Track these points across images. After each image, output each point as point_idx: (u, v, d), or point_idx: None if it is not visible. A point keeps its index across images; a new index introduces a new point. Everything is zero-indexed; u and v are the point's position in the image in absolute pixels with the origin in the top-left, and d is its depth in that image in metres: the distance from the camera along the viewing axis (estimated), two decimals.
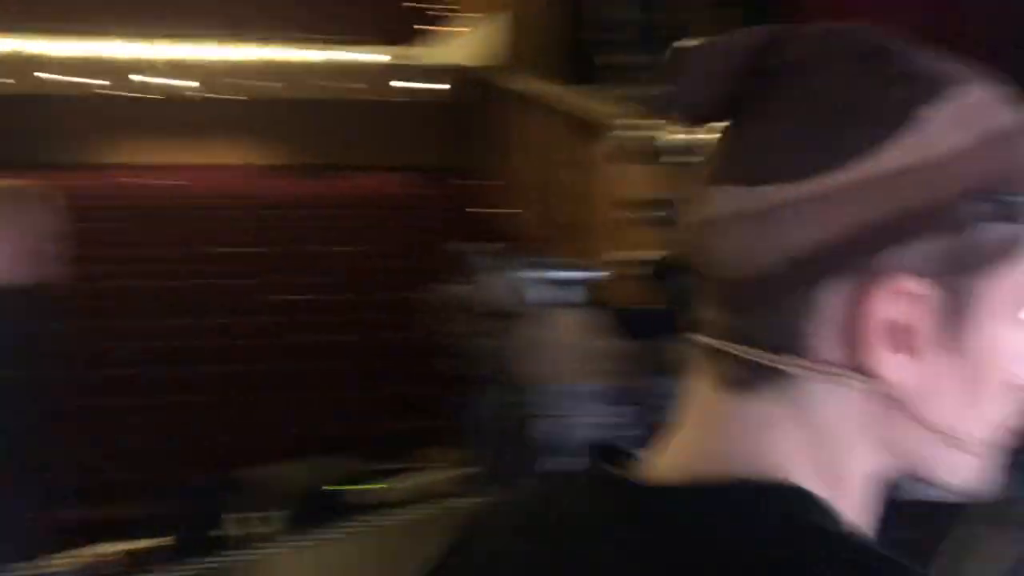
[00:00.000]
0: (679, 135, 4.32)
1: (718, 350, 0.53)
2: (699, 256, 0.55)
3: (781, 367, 0.51)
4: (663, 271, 3.28)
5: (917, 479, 0.55)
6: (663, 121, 4.49)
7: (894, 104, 0.51)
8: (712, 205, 0.53)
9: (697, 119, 0.56)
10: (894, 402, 0.52)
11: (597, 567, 0.52)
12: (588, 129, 5.95)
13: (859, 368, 0.51)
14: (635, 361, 3.22)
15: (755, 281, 0.51)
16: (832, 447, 0.52)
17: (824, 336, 0.51)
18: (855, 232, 0.49)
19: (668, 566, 0.49)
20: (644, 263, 3.56)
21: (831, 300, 0.50)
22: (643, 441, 0.59)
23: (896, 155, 0.50)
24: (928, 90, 0.51)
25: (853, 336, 0.50)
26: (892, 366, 0.51)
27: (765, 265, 0.51)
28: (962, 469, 0.55)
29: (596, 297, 3.54)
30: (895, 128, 0.50)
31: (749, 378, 0.52)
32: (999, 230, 0.51)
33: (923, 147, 0.50)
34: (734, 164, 0.53)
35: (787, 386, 0.52)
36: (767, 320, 0.52)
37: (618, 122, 5.00)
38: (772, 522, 0.49)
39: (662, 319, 3.10)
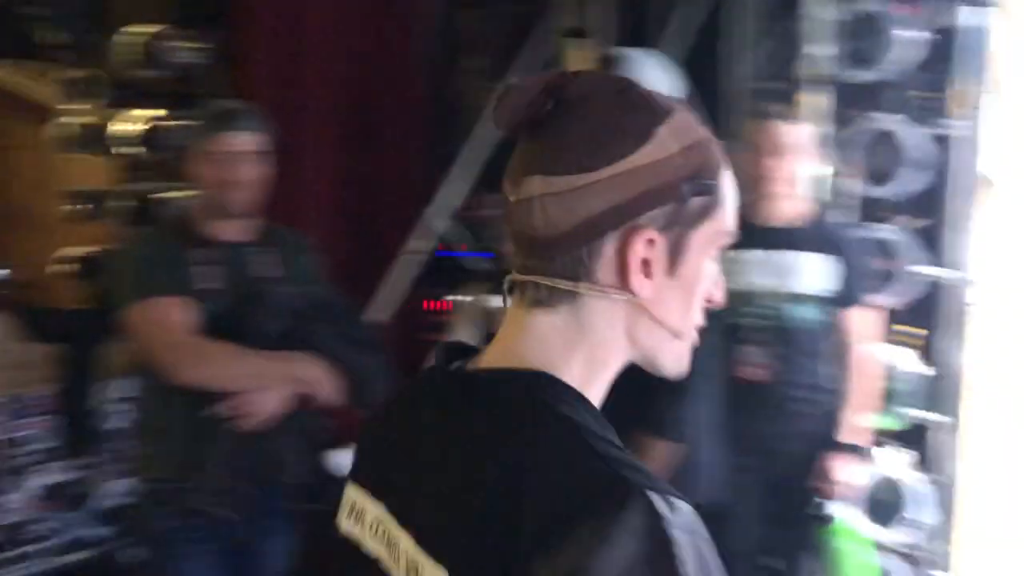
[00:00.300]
0: (129, 125, 4.08)
1: (530, 282, 0.86)
2: (515, 225, 0.86)
3: (574, 289, 0.85)
4: (92, 268, 3.08)
5: (650, 365, 0.90)
6: (109, 108, 4.20)
7: (639, 125, 0.84)
8: (527, 189, 0.85)
9: (511, 131, 0.87)
10: (643, 311, 0.86)
11: (436, 426, 0.88)
12: (32, 112, 5.33)
13: (622, 288, 0.85)
14: (60, 365, 2.97)
15: (558, 237, 0.83)
16: (600, 345, 0.87)
17: (601, 268, 0.84)
18: (622, 204, 0.83)
19: (469, 425, 0.84)
20: (77, 260, 3.30)
21: (607, 246, 0.84)
22: None
23: (642, 157, 0.83)
24: (657, 115, 0.85)
25: (619, 268, 0.84)
26: (642, 286, 0.85)
27: (566, 227, 0.83)
28: (678, 355, 0.91)
29: (11, 298, 3.18)
30: (640, 140, 0.83)
31: (549, 299, 0.86)
32: (700, 201, 0.86)
33: (656, 152, 0.83)
34: (540, 162, 0.85)
35: (575, 303, 0.85)
36: (565, 260, 0.84)
37: (64, 107, 4.56)
38: (527, 404, 0.82)
39: (88, 320, 2.90)
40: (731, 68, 4.16)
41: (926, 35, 3.12)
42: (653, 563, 0.72)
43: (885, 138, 3.17)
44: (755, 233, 2.44)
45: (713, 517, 2.33)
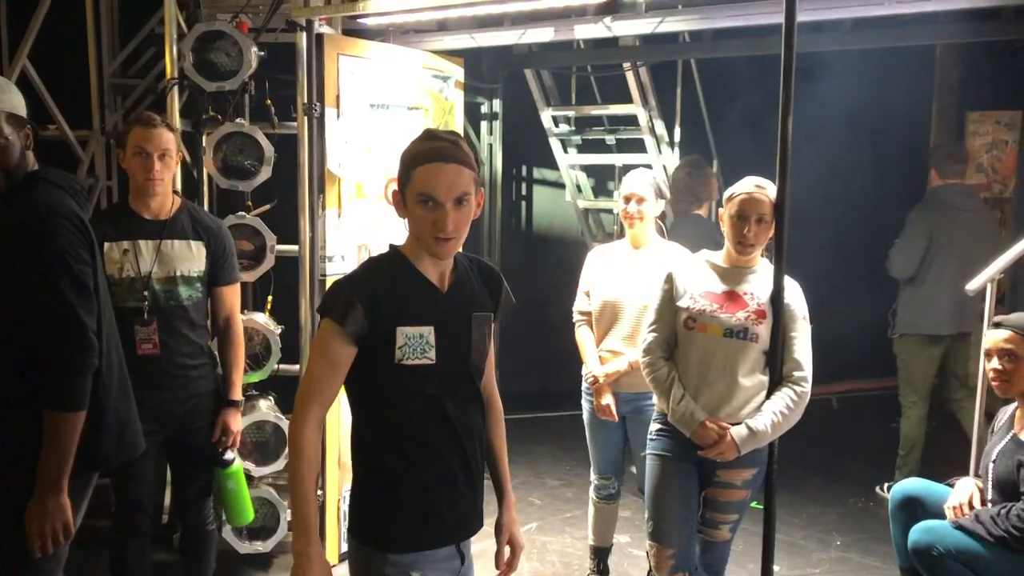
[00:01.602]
0: None
1: None
2: None
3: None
4: None
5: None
6: None
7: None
8: None
9: None
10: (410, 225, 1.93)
11: None
12: None
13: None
14: None
15: None
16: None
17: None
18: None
19: None
20: None
21: None
22: None
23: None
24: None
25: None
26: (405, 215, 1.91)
27: None
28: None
29: None
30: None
31: None
32: (403, 177, 1.89)
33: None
34: None
35: None
36: None
37: None
38: None
39: None
40: (98, 65, 4.29)
41: (259, 51, 3.76)
42: None
43: (236, 137, 3.75)
44: (144, 225, 2.82)
45: (124, 475, 2.62)
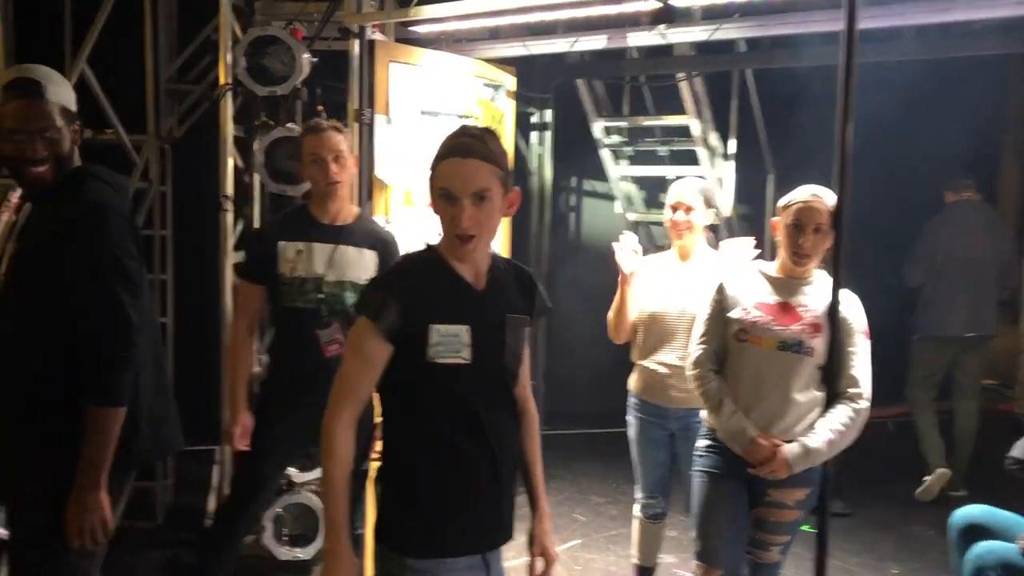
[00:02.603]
0: None
1: None
2: None
3: None
4: None
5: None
6: None
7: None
8: None
9: None
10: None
11: None
12: None
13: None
14: None
15: None
16: None
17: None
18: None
19: None
20: None
21: None
22: None
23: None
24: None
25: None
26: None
27: None
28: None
29: None
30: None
31: None
32: (430, 173, 1.87)
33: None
34: None
35: None
36: None
37: None
38: None
39: None
40: (155, 70, 4.36)
41: (312, 57, 3.78)
42: None
43: (287, 142, 3.76)
44: (321, 229, 2.93)
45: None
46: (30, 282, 2.07)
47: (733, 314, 2.69)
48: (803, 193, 2.65)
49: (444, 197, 1.80)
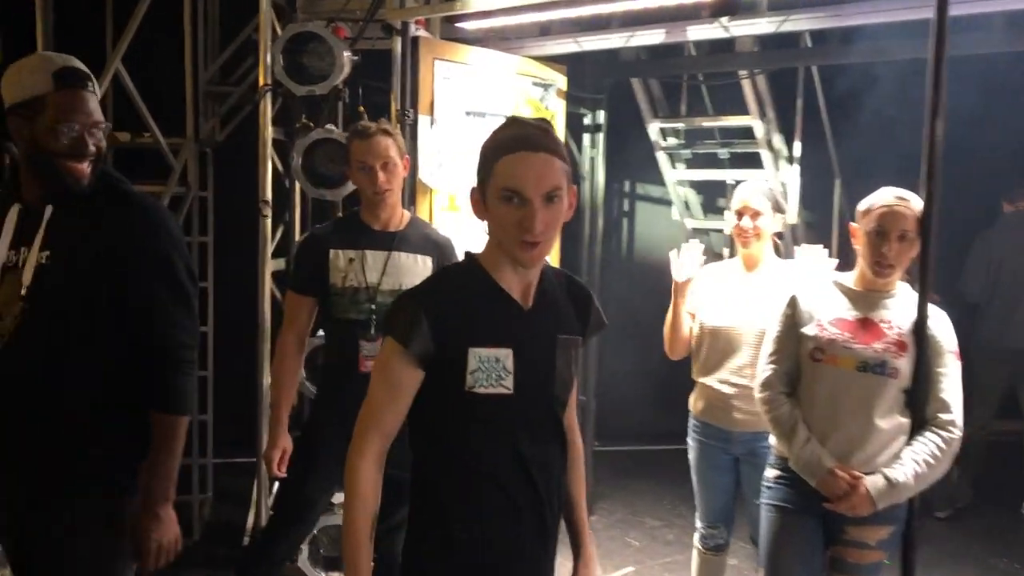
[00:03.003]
0: None
1: None
2: None
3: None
4: None
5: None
6: None
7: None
8: None
9: None
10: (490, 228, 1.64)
11: None
12: None
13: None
14: None
15: None
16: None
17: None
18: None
19: None
20: None
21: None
22: None
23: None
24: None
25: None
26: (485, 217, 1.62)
27: None
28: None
29: None
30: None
31: None
32: (483, 172, 1.60)
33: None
34: None
35: None
36: None
37: None
38: None
39: None
40: (194, 72, 4.25)
41: (353, 56, 3.60)
42: None
43: (326, 145, 3.60)
44: (373, 236, 2.76)
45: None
46: (76, 288, 1.88)
47: (807, 330, 2.43)
48: (887, 196, 2.38)
49: (508, 198, 1.55)
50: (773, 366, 2.49)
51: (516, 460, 1.62)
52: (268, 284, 3.88)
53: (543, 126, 1.60)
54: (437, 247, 2.84)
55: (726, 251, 5.25)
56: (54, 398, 1.88)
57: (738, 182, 4.81)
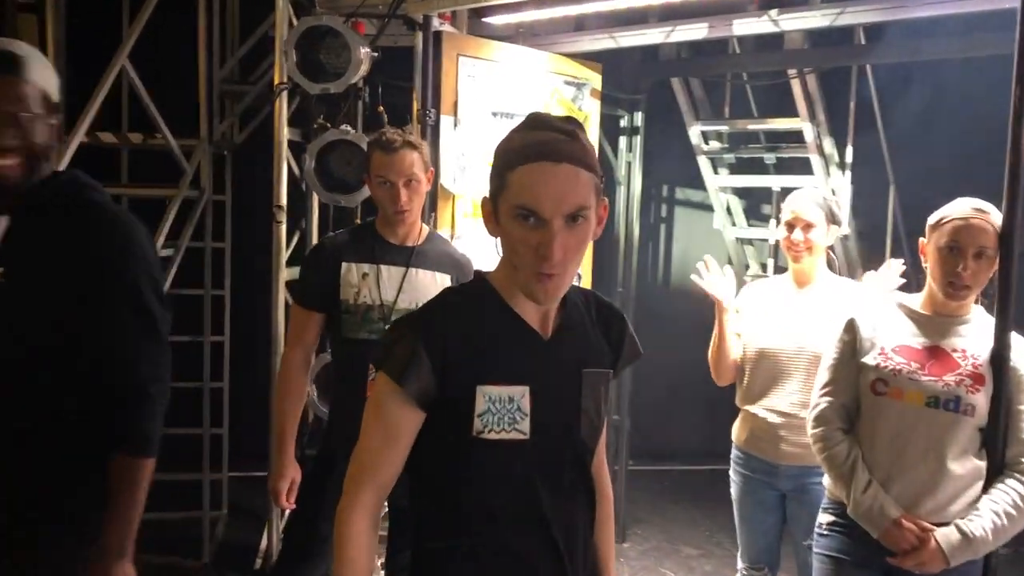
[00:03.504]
0: None
1: None
2: None
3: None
4: None
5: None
6: None
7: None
8: None
9: None
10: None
11: None
12: None
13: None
14: None
15: None
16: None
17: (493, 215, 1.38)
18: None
19: None
20: None
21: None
22: None
23: None
24: None
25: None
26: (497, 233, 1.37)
27: None
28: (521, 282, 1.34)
29: None
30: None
31: None
32: (497, 181, 1.35)
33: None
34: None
35: None
36: None
37: None
38: None
39: None
40: (208, 70, 4.07)
41: (372, 52, 3.37)
42: None
43: (342, 147, 3.38)
44: (390, 250, 2.51)
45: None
46: (27, 312, 1.67)
47: (868, 359, 2.14)
48: (962, 208, 2.09)
49: (523, 217, 1.30)
50: (828, 398, 2.20)
51: (534, 520, 1.37)
52: (282, 293, 3.67)
53: (570, 128, 1.33)
54: (457, 266, 2.60)
55: (770, 262, 4.93)
56: (13, 438, 1.68)
57: (784, 189, 4.52)
